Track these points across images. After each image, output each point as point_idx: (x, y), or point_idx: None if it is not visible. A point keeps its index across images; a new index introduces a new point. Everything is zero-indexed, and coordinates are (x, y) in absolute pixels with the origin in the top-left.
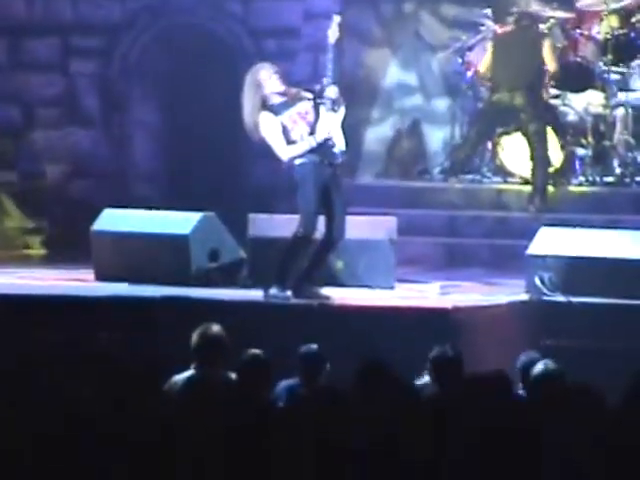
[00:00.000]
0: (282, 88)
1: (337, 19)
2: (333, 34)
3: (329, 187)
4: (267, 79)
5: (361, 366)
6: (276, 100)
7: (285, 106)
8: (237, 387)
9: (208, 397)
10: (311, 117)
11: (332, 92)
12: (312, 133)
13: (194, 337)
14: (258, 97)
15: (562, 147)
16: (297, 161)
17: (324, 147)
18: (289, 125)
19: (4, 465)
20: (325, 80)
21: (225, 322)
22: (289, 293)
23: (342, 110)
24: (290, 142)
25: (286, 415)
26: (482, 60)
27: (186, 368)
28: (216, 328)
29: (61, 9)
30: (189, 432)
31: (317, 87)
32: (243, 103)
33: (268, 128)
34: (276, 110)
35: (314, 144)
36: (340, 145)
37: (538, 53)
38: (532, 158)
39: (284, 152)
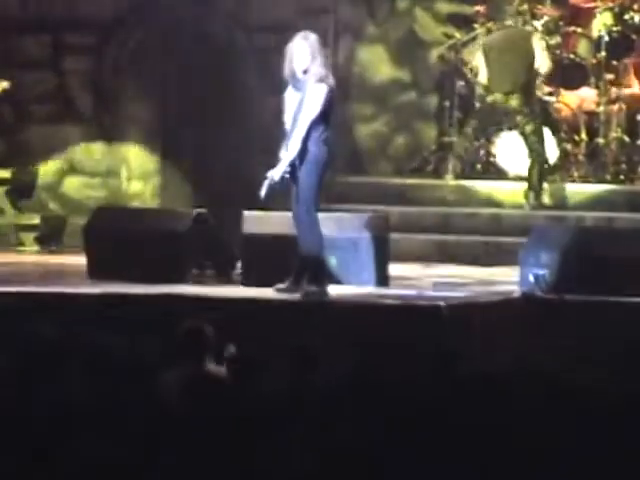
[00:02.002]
0: None
1: None
2: None
3: None
4: None
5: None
6: None
7: None
8: (226, 382)
9: (200, 392)
10: None
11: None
12: None
13: (180, 333)
14: None
15: (557, 144)
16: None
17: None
18: None
19: None
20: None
21: (217, 319)
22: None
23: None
24: None
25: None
26: (479, 64)
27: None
28: (201, 324)
29: (53, 6)
30: (185, 427)
31: None
32: None
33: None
34: None
35: None
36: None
37: (531, 52)
38: (529, 156)
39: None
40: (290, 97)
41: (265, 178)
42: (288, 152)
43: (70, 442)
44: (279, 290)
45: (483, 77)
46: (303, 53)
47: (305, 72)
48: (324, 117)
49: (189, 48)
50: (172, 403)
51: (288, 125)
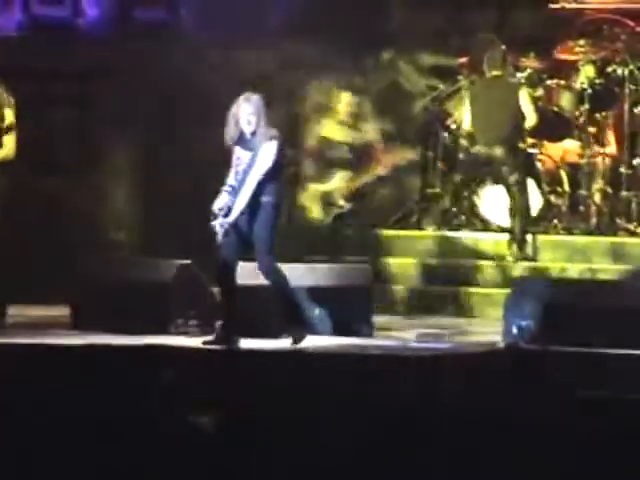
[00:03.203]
0: None
1: None
2: None
3: None
4: None
5: None
6: None
7: None
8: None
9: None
10: None
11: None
12: None
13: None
14: None
15: (540, 196)
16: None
17: None
18: None
19: None
20: None
21: (198, 370)
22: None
23: None
24: None
25: None
26: (463, 116)
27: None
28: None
29: (36, 56)
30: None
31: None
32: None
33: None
34: None
35: None
36: None
37: (515, 103)
38: (512, 208)
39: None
40: (239, 155)
41: (216, 227)
42: (239, 203)
43: None
44: (206, 343)
45: (467, 126)
46: (249, 115)
47: (253, 133)
48: (275, 170)
49: (174, 99)
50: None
51: (236, 180)
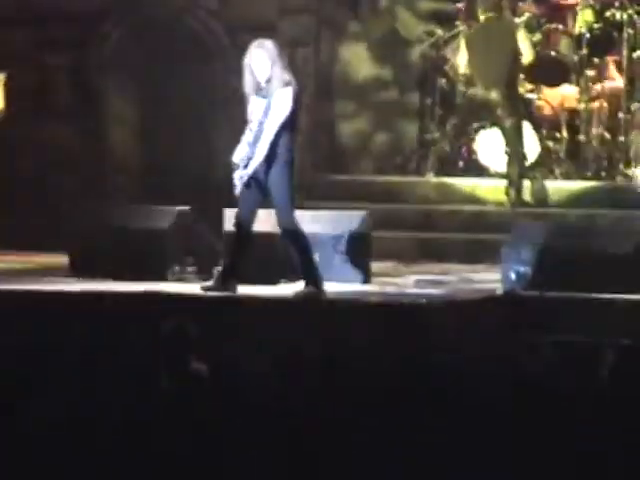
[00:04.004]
0: None
1: None
2: None
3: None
4: None
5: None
6: None
7: None
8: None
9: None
10: None
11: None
12: None
13: (163, 331)
14: None
15: (538, 141)
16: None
17: None
18: None
19: None
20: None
21: (199, 317)
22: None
23: None
24: None
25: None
26: (461, 59)
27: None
28: (185, 322)
29: (35, 1)
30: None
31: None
32: None
33: None
34: None
35: None
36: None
37: (512, 45)
38: (508, 153)
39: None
40: (255, 104)
41: (235, 179)
42: (258, 154)
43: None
44: (205, 289)
45: (464, 69)
46: (263, 62)
47: (268, 80)
48: (291, 120)
49: (172, 45)
50: (162, 401)
51: (253, 130)
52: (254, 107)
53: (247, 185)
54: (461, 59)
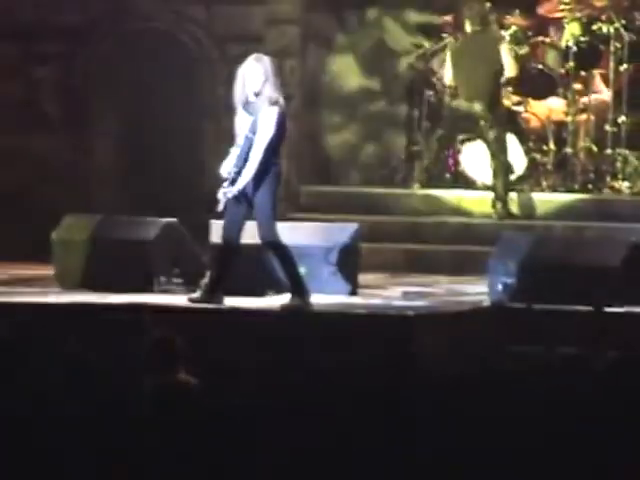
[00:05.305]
0: None
1: None
2: None
3: None
4: None
5: None
6: None
7: None
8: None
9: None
10: None
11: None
12: None
13: (149, 343)
14: None
15: (525, 154)
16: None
17: None
18: None
19: None
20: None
21: (184, 329)
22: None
23: None
24: None
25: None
26: (446, 71)
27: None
28: (170, 333)
29: (22, 14)
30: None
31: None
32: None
33: None
34: None
35: None
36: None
37: (496, 58)
38: (492, 165)
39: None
40: (241, 119)
41: (220, 195)
42: (246, 172)
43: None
44: (192, 301)
45: (449, 81)
46: (256, 75)
47: (257, 95)
48: (278, 138)
49: (159, 57)
50: (142, 411)
51: (239, 145)
52: (240, 121)
53: (235, 199)
54: (447, 71)
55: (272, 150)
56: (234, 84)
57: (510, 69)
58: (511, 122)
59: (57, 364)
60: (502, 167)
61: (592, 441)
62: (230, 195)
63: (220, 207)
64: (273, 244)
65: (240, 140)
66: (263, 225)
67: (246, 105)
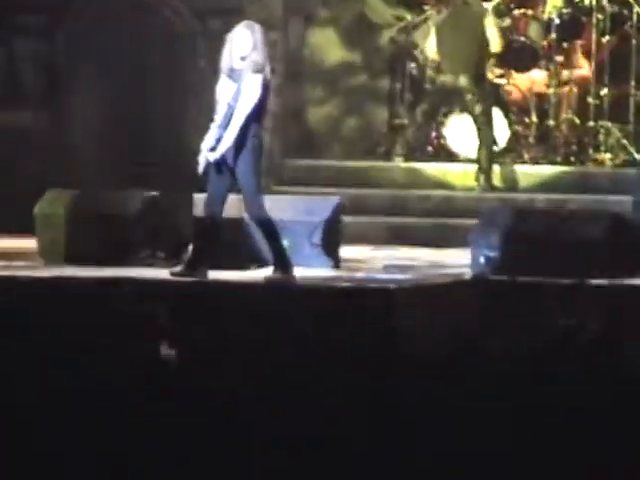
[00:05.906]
0: None
1: None
2: None
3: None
4: None
5: None
6: None
7: None
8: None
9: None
10: None
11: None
12: None
13: (130, 317)
14: None
15: (508, 126)
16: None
17: None
18: None
19: None
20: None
21: (167, 302)
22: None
23: None
24: None
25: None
26: (430, 44)
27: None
28: (154, 308)
29: None
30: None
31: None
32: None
33: None
34: None
35: None
36: None
37: (480, 32)
38: (478, 138)
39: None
40: (224, 87)
41: (200, 160)
42: (226, 139)
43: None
44: (174, 274)
45: (433, 55)
46: (245, 41)
47: (243, 59)
48: (260, 107)
49: (141, 31)
50: (124, 386)
51: (221, 114)
52: (223, 88)
53: (217, 171)
54: (430, 44)
55: (253, 117)
56: (222, 49)
57: (495, 43)
58: (495, 95)
59: (40, 336)
60: (487, 140)
61: (582, 430)
62: (211, 159)
63: (200, 169)
64: (259, 218)
65: (221, 108)
66: (248, 199)
67: (231, 72)
